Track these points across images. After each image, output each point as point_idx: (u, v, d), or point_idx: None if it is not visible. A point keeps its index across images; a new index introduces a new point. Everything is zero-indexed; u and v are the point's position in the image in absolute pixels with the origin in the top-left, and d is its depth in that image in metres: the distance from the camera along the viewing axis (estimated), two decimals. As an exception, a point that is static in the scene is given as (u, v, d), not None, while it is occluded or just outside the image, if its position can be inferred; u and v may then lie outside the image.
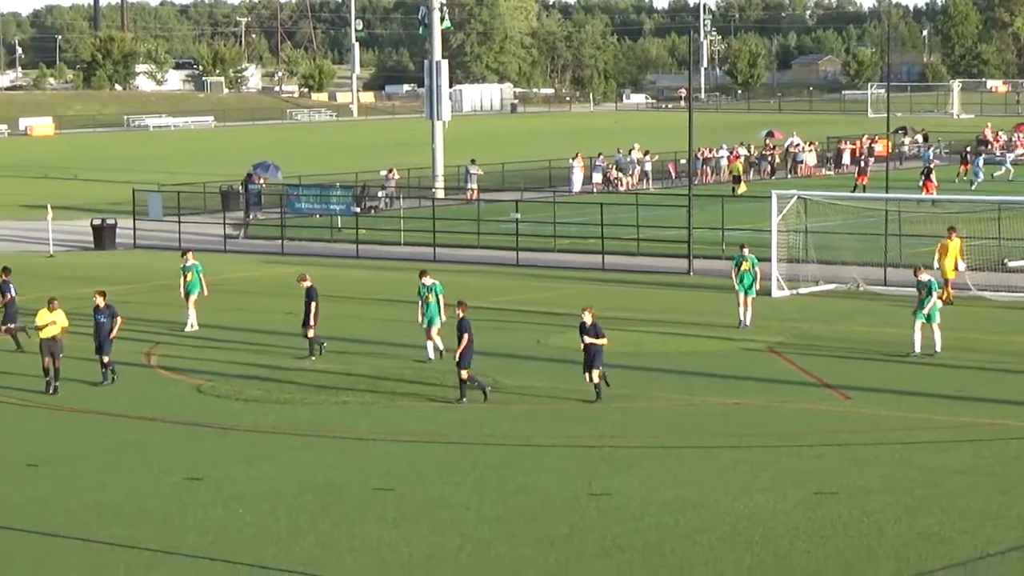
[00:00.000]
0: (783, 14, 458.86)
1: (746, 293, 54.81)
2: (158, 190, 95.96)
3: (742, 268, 54.78)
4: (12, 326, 53.77)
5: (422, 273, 50.59)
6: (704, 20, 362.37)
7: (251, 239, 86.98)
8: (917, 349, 49.52)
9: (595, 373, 43.82)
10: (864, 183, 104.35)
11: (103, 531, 33.10)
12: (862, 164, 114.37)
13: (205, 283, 55.58)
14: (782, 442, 40.17)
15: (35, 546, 32.36)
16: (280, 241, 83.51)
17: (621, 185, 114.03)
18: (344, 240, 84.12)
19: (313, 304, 51.17)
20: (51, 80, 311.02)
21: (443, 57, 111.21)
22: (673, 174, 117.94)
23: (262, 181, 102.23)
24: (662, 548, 31.25)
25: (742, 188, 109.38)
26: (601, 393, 44.34)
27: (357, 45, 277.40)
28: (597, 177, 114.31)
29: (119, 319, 46.95)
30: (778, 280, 63.83)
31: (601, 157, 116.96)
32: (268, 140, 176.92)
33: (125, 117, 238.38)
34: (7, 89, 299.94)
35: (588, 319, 44.04)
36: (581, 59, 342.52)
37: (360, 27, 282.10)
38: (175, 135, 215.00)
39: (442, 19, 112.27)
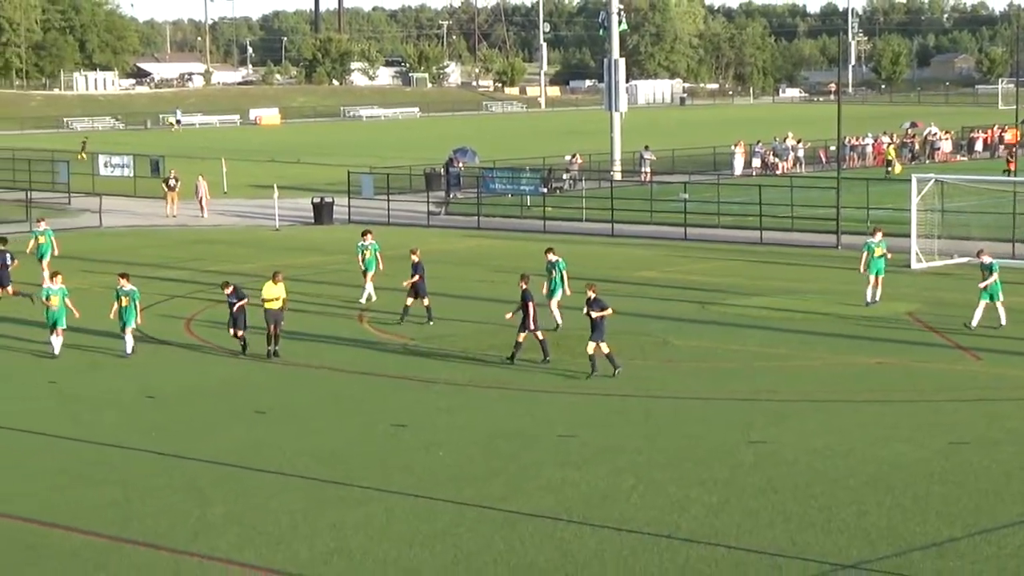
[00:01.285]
0: (923, 17, 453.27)
1: (877, 274, 54.00)
2: (370, 172, 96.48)
3: (876, 254, 53.88)
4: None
5: (548, 250, 50.35)
6: (852, 22, 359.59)
7: (451, 215, 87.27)
8: (974, 323, 48.71)
9: (603, 345, 42.61)
10: (1013, 168, 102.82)
11: (321, 470, 33.43)
12: (1011, 153, 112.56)
13: (381, 259, 55.35)
14: (920, 397, 39.87)
15: (264, 483, 32.74)
16: (476, 217, 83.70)
17: (777, 169, 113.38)
18: (532, 217, 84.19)
19: (418, 276, 51.34)
20: (277, 76, 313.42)
21: (620, 56, 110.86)
22: (823, 159, 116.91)
23: (461, 165, 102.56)
24: (812, 490, 31.09)
25: (897, 169, 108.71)
26: (616, 363, 42.67)
27: (545, 45, 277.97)
28: (756, 162, 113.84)
29: (243, 301, 46.39)
30: (917, 254, 63.30)
31: (760, 144, 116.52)
32: (466, 128, 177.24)
33: (341, 108, 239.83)
34: (240, 84, 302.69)
35: (592, 295, 42.84)
36: (742, 57, 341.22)
37: (547, 29, 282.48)
38: (385, 124, 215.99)
39: (620, 22, 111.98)
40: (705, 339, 48.58)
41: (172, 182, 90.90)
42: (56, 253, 60.76)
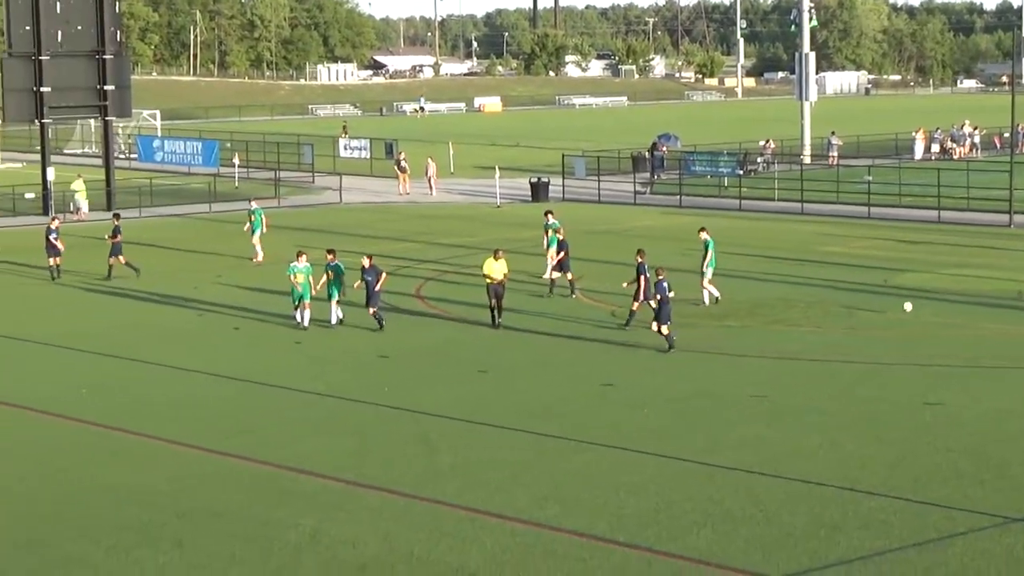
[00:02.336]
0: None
1: None
2: (582, 155, 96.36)
3: None
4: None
5: (701, 229, 49.68)
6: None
7: (655, 195, 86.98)
8: None
9: (664, 327, 41.52)
10: None
11: (536, 424, 33.57)
12: None
13: (561, 233, 54.50)
14: (1087, 364, 39.31)
15: (485, 435, 33.01)
16: (678, 197, 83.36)
17: (954, 154, 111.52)
18: (729, 196, 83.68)
19: (563, 252, 51.06)
20: (499, 68, 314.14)
21: (811, 49, 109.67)
22: (998, 145, 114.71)
23: (664, 148, 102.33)
24: (985, 449, 30.68)
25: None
26: (672, 342, 41.78)
27: (742, 40, 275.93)
28: (935, 147, 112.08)
29: (384, 275, 46.17)
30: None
31: (939, 131, 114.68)
32: (669, 116, 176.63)
33: (556, 97, 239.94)
34: (465, 75, 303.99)
35: (659, 277, 41.94)
36: (923, 51, 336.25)
37: (744, 25, 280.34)
38: (595, 112, 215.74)
39: (811, 19, 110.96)
40: (886, 309, 48.04)
41: (403, 163, 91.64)
42: (265, 231, 61.17)
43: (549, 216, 54.40)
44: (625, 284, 45.41)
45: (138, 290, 53.64)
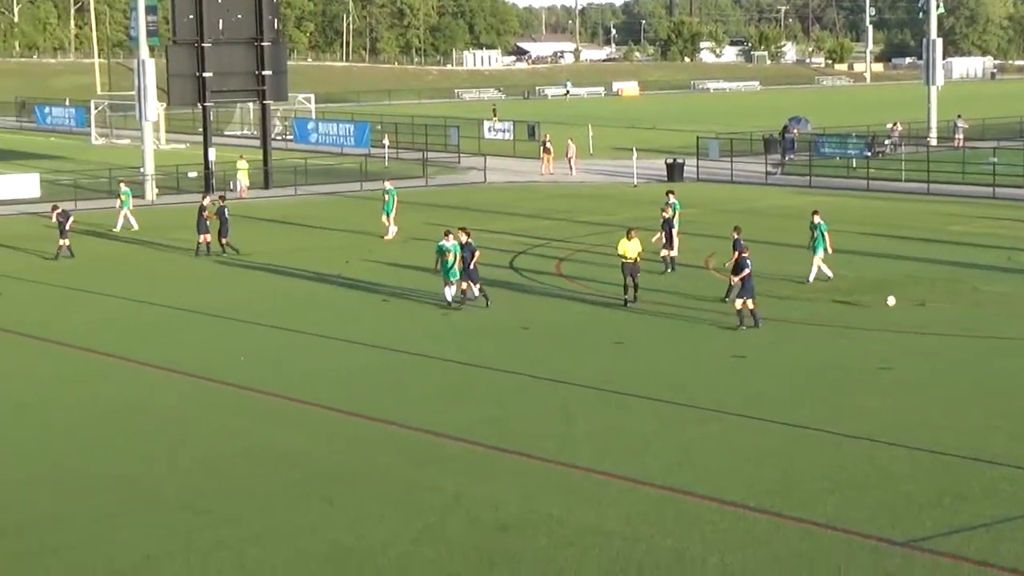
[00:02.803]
0: None
1: None
2: (715, 137, 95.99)
3: None
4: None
5: (814, 212, 48.94)
6: None
7: (786, 175, 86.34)
8: None
9: (750, 302, 40.78)
10: None
11: (669, 394, 33.49)
12: None
13: (668, 212, 54.07)
14: None
15: (620, 404, 32.97)
16: (808, 177, 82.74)
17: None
18: (857, 177, 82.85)
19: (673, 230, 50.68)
20: (636, 54, 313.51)
21: (938, 35, 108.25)
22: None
23: (795, 131, 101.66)
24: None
25: None
26: (758, 319, 40.91)
27: (871, 27, 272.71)
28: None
29: (478, 253, 45.09)
30: None
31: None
32: (800, 100, 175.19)
33: (691, 82, 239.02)
34: (604, 61, 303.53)
35: (743, 255, 41.28)
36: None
37: (873, 13, 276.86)
38: (728, 96, 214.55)
39: (938, 6, 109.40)
40: (1010, 286, 47.39)
41: (548, 145, 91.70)
42: (397, 210, 61.21)
43: (670, 196, 53.94)
44: (727, 263, 44.94)
45: (290, 266, 54.08)
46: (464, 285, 44.66)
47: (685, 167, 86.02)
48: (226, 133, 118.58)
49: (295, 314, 44.62)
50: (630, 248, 44.30)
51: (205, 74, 79.86)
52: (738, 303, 40.87)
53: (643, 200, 73.61)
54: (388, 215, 60.62)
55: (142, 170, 79.58)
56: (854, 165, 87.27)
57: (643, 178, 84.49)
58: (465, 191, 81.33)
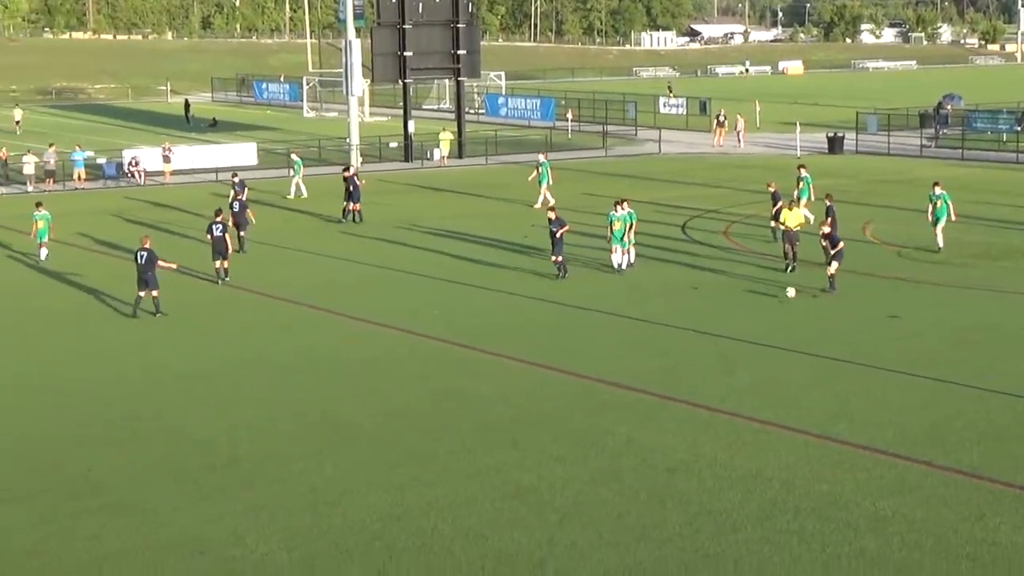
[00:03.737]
0: None
1: None
2: (874, 112, 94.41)
3: None
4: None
5: (935, 184, 47.48)
6: None
7: (940, 148, 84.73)
8: None
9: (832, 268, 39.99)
10: None
11: (828, 348, 33.15)
12: None
13: (813, 191, 52.33)
14: None
15: (779, 357, 32.73)
16: (960, 150, 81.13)
17: None
18: (1007, 150, 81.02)
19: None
20: (801, 35, 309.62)
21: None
22: None
23: (949, 107, 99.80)
24: None
25: None
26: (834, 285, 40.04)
27: (1022, 9, 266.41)
28: None
29: (566, 227, 43.36)
30: None
31: None
32: (953, 78, 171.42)
33: (852, 61, 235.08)
34: (771, 41, 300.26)
35: (827, 230, 40.72)
36: None
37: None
38: (887, 74, 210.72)
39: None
40: None
41: (721, 118, 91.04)
42: (551, 183, 60.73)
43: (802, 170, 52.99)
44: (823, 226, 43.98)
45: (472, 234, 54.28)
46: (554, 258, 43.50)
47: (845, 140, 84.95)
48: (424, 107, 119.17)
49: (481, 274, 44.79)
50: (791, 217, 43.76)
51: (406, 53, 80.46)
52: (831, 269, 40.11)
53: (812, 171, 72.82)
54: (543, 184, 60.44)
55: (348, 140, 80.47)
56: (1004, 139, 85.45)
57: (806, 150, 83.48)
58: (641, 161, 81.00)
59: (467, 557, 20.83)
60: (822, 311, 38.02)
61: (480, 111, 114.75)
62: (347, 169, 59.55)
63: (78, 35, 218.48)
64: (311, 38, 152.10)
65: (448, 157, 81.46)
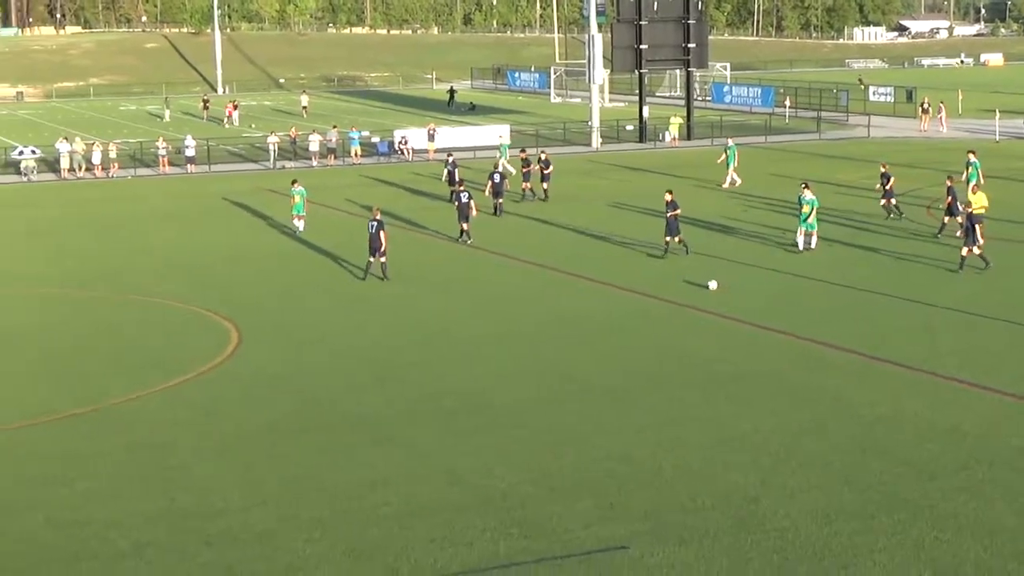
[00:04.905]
0: None
1: None
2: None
3: None
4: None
5: None
6: None
7: None
8: None
9: (975, 249, 37.78)
10: None
11: (1022, 317, 32.16)
12: None
13: (980, 173, 49.46)
14: None
15: (979, 323, 31.78)
16: None
17: None
18: None
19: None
20: (1002, 30, 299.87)
21: None
22: None
23: None
24: None
25: None
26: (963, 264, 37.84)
27: None
28: None
29: (677, 211, 41.23)
30: None
31: None
32: None
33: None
34: (974, 36, 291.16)
35: (970, 211, 38.46)
36: None
37: None
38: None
39: None
40: None
41: (926, 105, 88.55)
42: (736, 164, 58.97)
43: (971, 155, 50.93)
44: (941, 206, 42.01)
45: (696, 210, 53.76)
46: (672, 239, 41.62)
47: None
48: (656, 94, 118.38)
49: (711, 244, 44.39)
50: (978, 199, 42.19)
51: (642, 46, 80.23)
52: (968, 249, 38.22)
53: (1003, 154, 70.43)
54: (730, 166, 59.32)
55: (589, 123, 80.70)
56: None
57: (1004, 135, 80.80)
58: (851, 144, 79.24)
59: (688, 493, 20.72)
60: (1017, 284, 36.76)
61: (707, 98, 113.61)
62: (523, 151, 59.03)
63: (357, 30, 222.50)
64: (558, 33, 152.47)
65: (678, 139, 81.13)
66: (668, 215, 41.13)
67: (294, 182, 48.05)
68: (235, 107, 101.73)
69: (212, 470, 22.40)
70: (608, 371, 28.19)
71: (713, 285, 36.27)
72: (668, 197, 41.28)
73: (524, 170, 55.78)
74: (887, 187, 48.29)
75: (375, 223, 38.74)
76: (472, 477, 21.73)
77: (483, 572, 18.07)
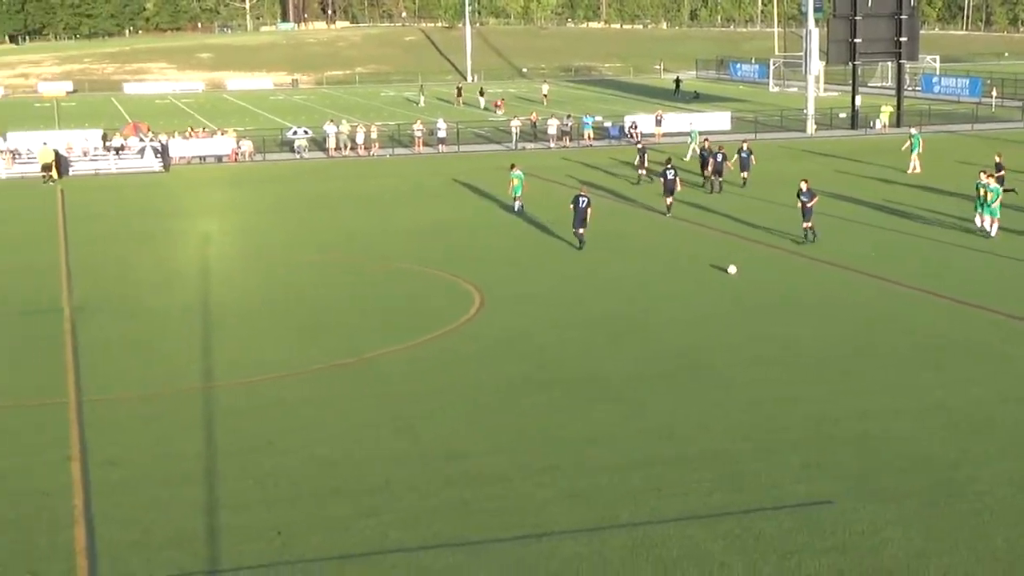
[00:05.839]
0: None
1: None
2: None
3: None
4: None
5: None
6: None
7: None
8: None
9: None
10: None
11: None
12: None
13: None
14: None
15: None
16: None
17: None
18: None
19: None
20: None
21: None
22: None
23: None
24: None
25: None
26: None
27: None
28: None
29: (816, 198, 39.19)
30: None
31: None
32: None
33: None
34: None
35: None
36: None
37: None
38: None
39: None
40: None
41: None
42: (922, 151, 56.37)
43: None
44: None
45: (898, 194, 52.13)
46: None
47: None
48: (868, 84, 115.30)
49: (909, 225, 43.05)
50: None
51: (855, 40, 78.23)
52: None
53: None
54: (914, 153, 57.04)
55: (805, 111, 79.33)
56: None
57: None
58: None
59: (891, 456, 20.16)
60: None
61: (916, 88, 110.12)
62: (705, 140, 57.76)
63: (593, 25, 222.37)
64: (778, 27, 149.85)
65: (887, 126, 78.93)
66: (805, 203, 39.00)
67: (512, 166, 47.50)
68: (502, 102, 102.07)
69: (454, 418, 22.69)
70: (819, 340, 27.55)
71: (732, 270, 34.70)
72: (804, 186, 39.37)
73: (643, 156, 54.82)
74: None
75: (584, 199, 39.08)
76: (688, 434, 21.52)
77: (698, 519, 17.91)
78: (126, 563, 16.97)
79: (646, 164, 54.39)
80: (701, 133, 71.82)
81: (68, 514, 18.60)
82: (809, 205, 39.01)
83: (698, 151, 56.82)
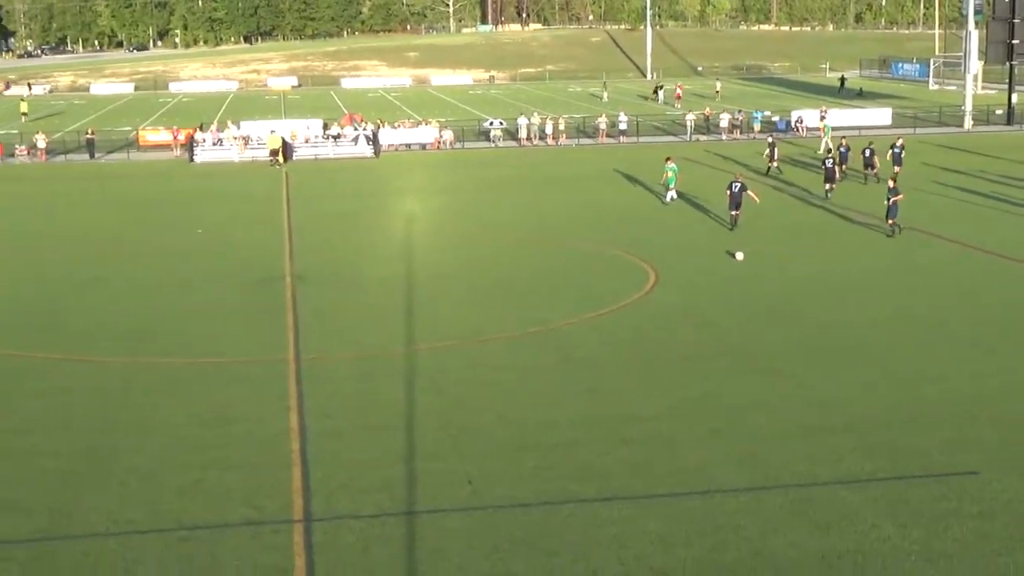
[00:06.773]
0: None
1: None
2: None
3: None
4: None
5: None
6: None
7: None
8: None
9: None
10: None
11: None
12: None
13: None
14: None
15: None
16: None
17: None
18: None
19: None
20: None
21: None
22: None
23: None
24: None
25: None
26: None
27: None
28: None
29: (901, 195, 36.91)
30: None
31: None
32: None
33: None
34: None
35: None
36: None
37: None
38: None
39: None
40: None
41: None
42: None
43: None
44: None
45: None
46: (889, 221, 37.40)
47: None
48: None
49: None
50: None
51: (1014, 41, 75.09)
52: None
53: None
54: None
55: (963, 107, 76.61)
56: None
57: None
58: None
59: (1014, 438, 19.53)
60: None
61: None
62: (769, 137, 55.84)
63: (764, 27, 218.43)
64: (939, 29, 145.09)
65: (1037, 123, 75.57)
66: (890, 200, 36.98)
67: (668, 159, 46.07)
68: (682, 87, 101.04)
69: (628, 384, 22.71)
70: (970, 321, 26.72)
71: (740, 256, 33.74)
72: (891, 183, 37.66)
73: (773, 149, 53.18)
74: None
75: (738, 184, 38.84)
76: (842, 405, 21.14)
77: (850, 483, 17.62)
78: (335, 502, 17.50)
79: (776, 157, 52.93)
80: (864, 129, 70.07)
81: (286, 457, 19.25)
82: (892, 202, 37.02)
83: (831, 147, 55.13)
